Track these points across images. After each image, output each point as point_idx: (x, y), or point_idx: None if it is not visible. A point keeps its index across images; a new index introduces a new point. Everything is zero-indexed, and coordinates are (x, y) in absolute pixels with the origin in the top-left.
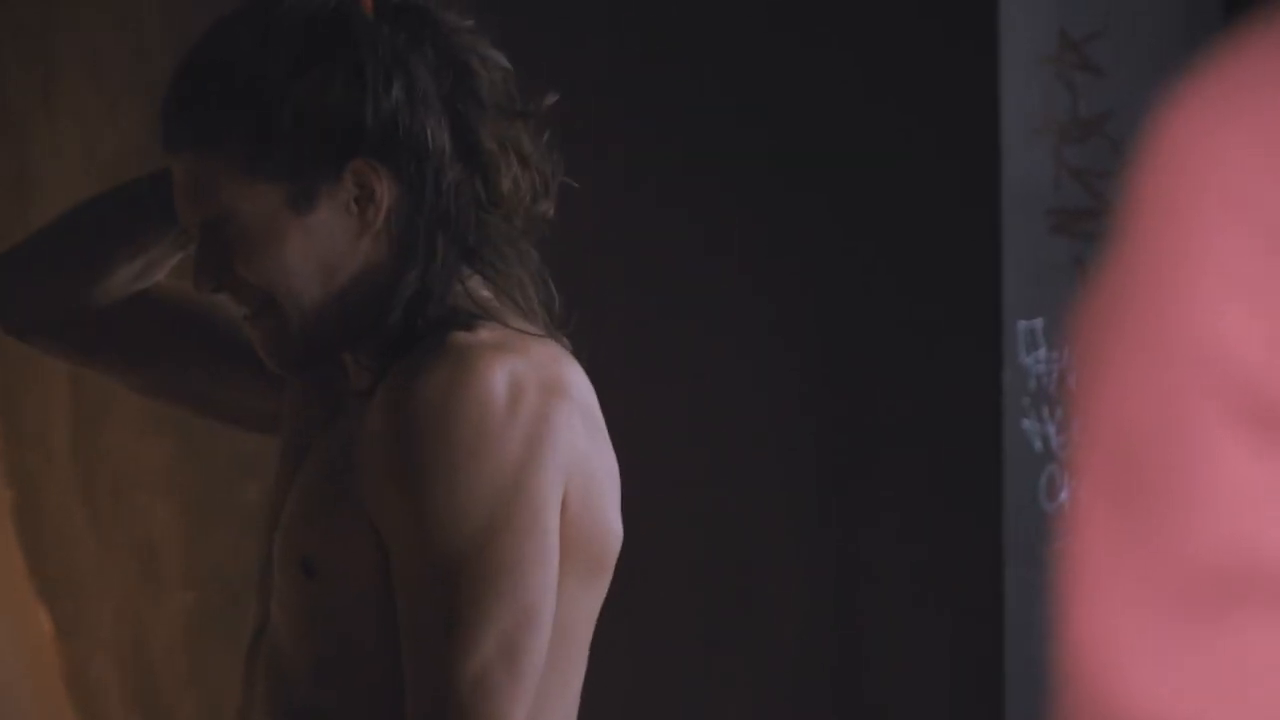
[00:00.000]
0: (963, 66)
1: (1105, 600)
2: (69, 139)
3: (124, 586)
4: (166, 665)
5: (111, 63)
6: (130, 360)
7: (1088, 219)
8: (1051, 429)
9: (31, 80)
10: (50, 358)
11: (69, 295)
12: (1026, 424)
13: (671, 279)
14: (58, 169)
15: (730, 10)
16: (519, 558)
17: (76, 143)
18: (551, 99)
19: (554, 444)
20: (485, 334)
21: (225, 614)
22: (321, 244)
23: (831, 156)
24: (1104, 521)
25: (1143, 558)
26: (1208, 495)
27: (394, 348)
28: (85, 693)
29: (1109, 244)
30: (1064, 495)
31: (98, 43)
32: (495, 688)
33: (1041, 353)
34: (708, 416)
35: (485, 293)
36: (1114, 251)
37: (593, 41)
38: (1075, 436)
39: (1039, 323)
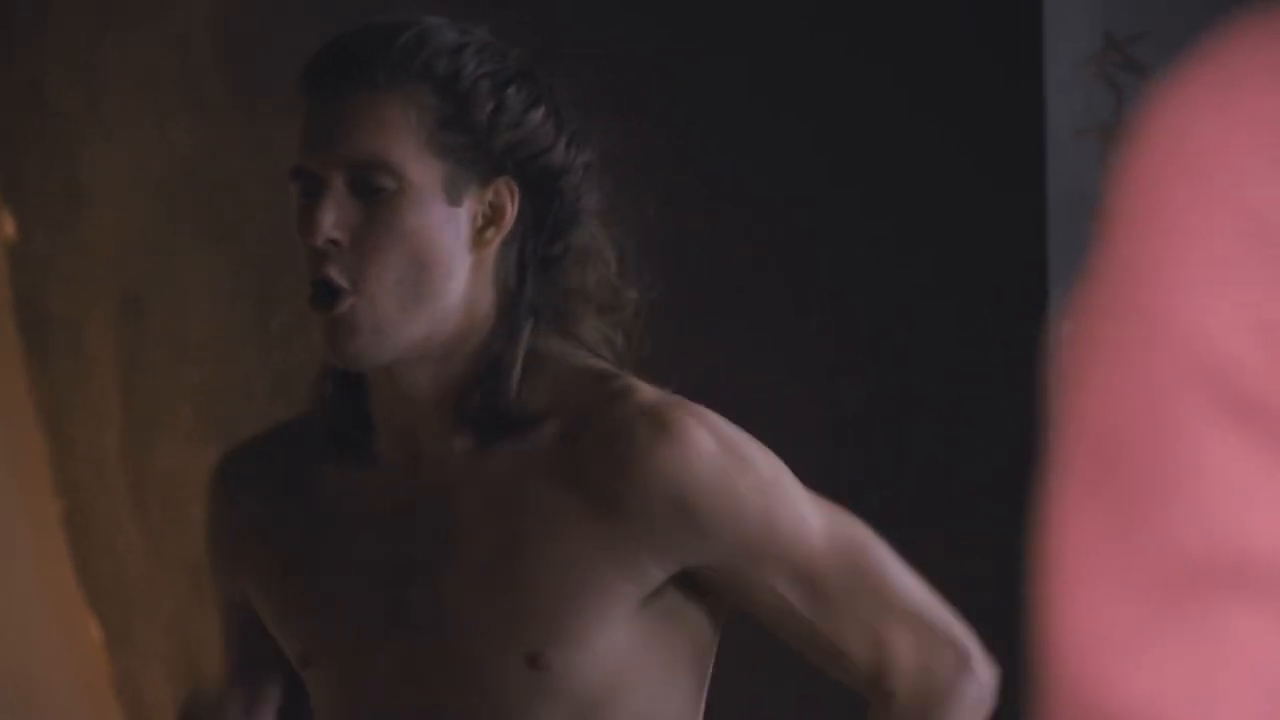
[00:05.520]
0: (1007, 68)
1: (1087, 590)
2: (118, 153)
3: (175, 598)
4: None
5: (162, 79)
6: None
7: None
8: None
9: (80, 95)
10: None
11: None
12: None
13: (720, 297)
14: (107, 181)
15: (773, 21)
16: (845, 513)
17: (125, 157)
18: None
19: None
20: (646, 392)
21: None
22: (440, 237)
23: (875, 160)
24: (1087, 512)
25: (1125, 548)
26: (1190, 486)
27: (475, 389)
28: (134, 702)
29: (1101, 237)
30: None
31: (147, 59)
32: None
33: None
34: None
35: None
36: (1104, 244)
37: (640, 55)
38: (1060, 427)
39: None
